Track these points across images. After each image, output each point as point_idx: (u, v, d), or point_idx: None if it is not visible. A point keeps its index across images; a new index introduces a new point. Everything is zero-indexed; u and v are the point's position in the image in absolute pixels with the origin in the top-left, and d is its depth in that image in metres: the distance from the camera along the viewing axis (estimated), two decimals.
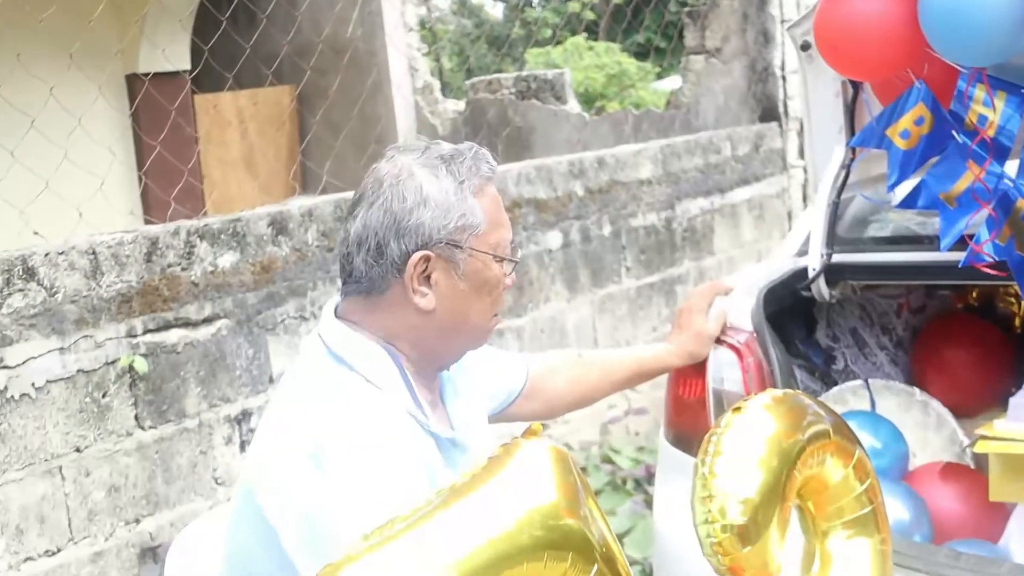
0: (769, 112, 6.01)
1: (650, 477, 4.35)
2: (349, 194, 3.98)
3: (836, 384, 2.88)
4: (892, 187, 2.42)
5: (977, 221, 2.28)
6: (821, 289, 2.80)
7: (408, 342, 1.73)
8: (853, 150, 2.78)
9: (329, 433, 1.58)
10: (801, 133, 6.02)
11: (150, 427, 3.28)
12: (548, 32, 12.58)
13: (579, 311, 4.82)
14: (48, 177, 3.83)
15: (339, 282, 1.78)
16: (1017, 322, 3.26)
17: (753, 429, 1.60)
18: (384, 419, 1.63)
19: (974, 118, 2.21)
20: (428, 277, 1.69)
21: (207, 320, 3.42)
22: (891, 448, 2.62)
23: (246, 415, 3.53)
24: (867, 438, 2.54)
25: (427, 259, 1.68)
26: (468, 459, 1.79)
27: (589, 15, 12.58)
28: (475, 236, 1.70)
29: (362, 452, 1.57)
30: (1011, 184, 2.22)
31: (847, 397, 2.79)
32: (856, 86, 2.77)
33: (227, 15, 4.54)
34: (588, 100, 9.81)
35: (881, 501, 1.74)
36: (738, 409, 1.63)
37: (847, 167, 2.80)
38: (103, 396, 3.18)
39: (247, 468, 1.70)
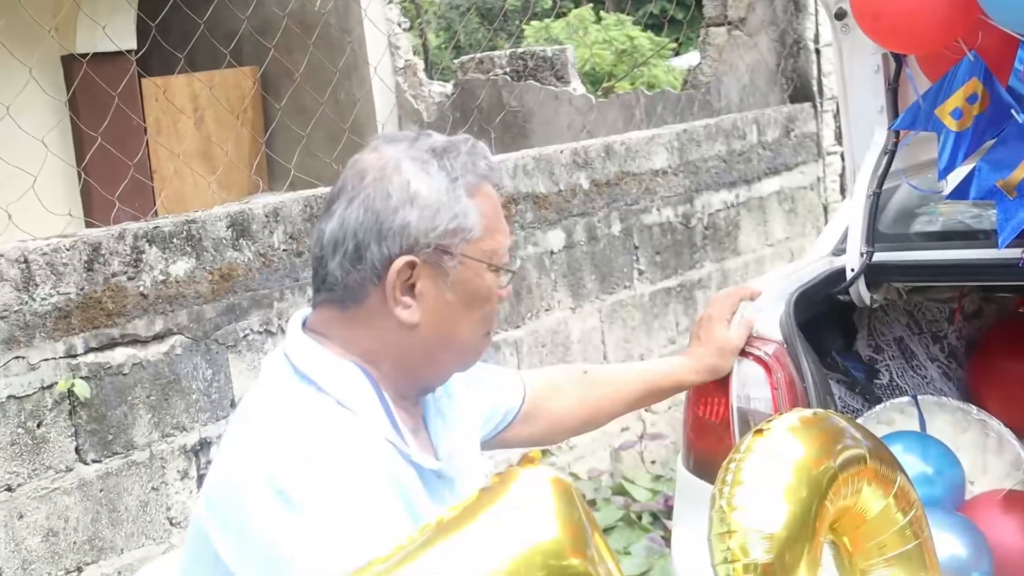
0: (801, 91, 6.01)
1: (669, 510, 4.34)
2: (320, 190, 3.99)
3: (880, 401, 2.88)
4: (943, 175, 2.42)
5: None
6: (861, 293, 2.79)
7: (388, 360, 1.73)
8: (897, 133, 2.78)
9: (295, 465, 1.58)
10: (838, 115, 6.02)
11: (93, 461, 3.27)
12: (548, 2, 12.60)
13: (585, 321, 4.82)
14: None
15: (309, 291, 1.78)
16: None
17: (778, 454, 1.60)
18: (358, 448, 1.63)
19: None
20: (412, 286, 1.69)
21: (158, 337, 3.42)
22: (944, 474, 2.61)
23: (204, 446, 3.52)
24: (916, 463, 2.54)
25: (412, 265, 1.68)
26: (456, 493, 1.79)
27: None
28: (468, 242, 1.70)
29: (333, 486, 1.57)
30: None
31: (893, 416, 2.79)
32: (899, 60, 2.77)
33: None
34: (594, 80, 9.82)
35: (929, 535, 1.74)
36: (761, 431, 1.63)
37: (890, 153, 2.80)
38: (38, 426, 3.17)
39: (201, 505, 1.70)
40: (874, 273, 2.78)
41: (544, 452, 4.61)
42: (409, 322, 1.70)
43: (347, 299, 1.71)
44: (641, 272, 5.08)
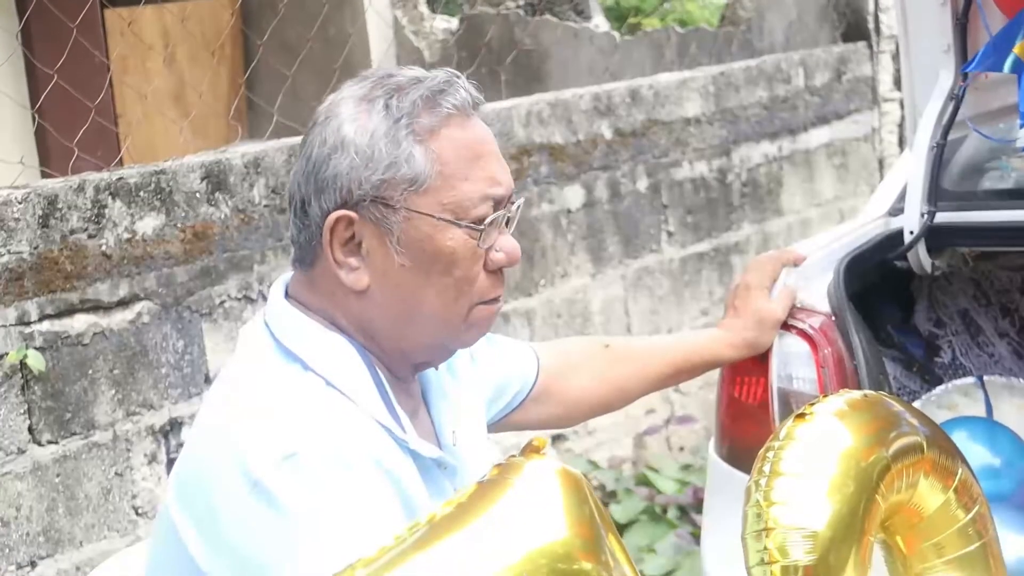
0: (855, 29, 5.99)
1: (698, 503, 4.34)
2: None
3: (941, 382, 2.87)
4: None
5: None
6: (921, 258, 2.79)
7: (360, 333, 1.73)
8: (965, 76, 2.77)
9: (277, 458, 1.58)
10: (897, 56, 5.99)
11: (49, 442, 3.28)
12: None
13: (607, 289, 4.82)
14: None
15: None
16: None
17: (823, 442, 1.60)
18: (348, 434, 1.63)
19: None
20: (360, 245, 1.69)
21: (123, 303, 3.42)
22: (1014, 466, 2.61)
23: (175, 426, 3.53)
24: (981, 452, 2.54)
25: (348, 221, 1.68)
26: (459, 482, 1.79)
27: None
28: (415, 193, 1.68)
29: (320, 485, 1.57)
30: None
31: (955, 399, 2.79)
32: None
33: None
34: (618, 15, 9.77)
35: (994, 535, 1.74)
36: (804, 416, 1.63)
37: (957, 99, 2.79)
38: None
39: (170, 494, 1.70)
40: (936, 236, 2.77)
41: (557, 437, 4.62)
42: (356, 287, 1.70)
43: (303, 260, 1.74)
44: (670, 234, 5.07)
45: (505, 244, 1.75)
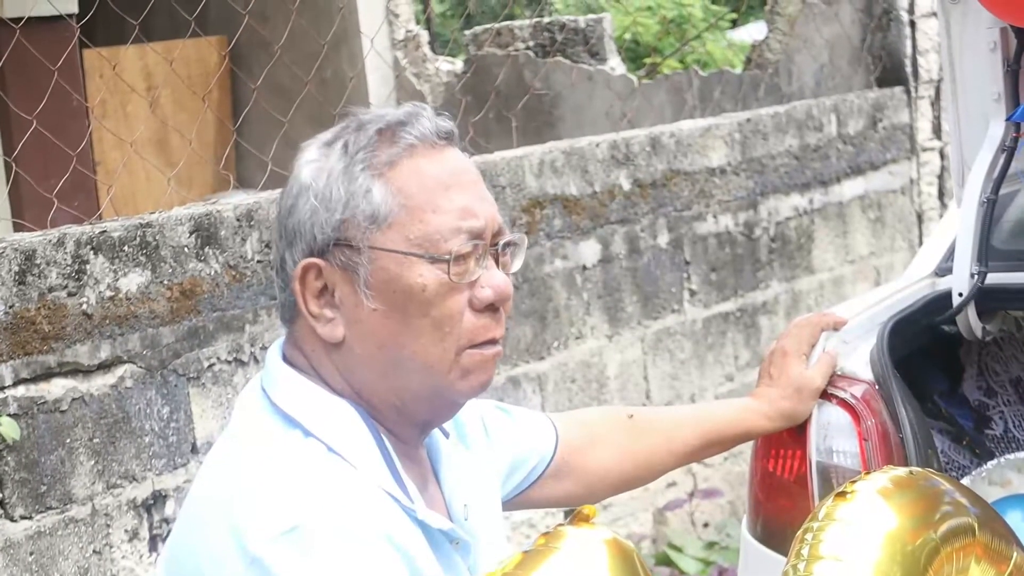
0: (892, 73, 6.01)
1: None
2: None
3: (992, 456, 2.86)
4: None
5: None
6: (971, 323, 2.78)
7: (349, 390, 1.74)
8: (1017, 127, 2.78)
9: (275, 527, 1.58)
10: (938, 102, 6.01)
11: (22, 517, 3.27)
12: None
13: (624, 352, 4.82)
14: None
15: None
16: None
17: (866, 524, 1.60)
18: (354, 505, 1.62)
19: None
20: (333, 294, 1.71)
21: (104, 366, 3.42)
22: None
23: (159, 500, 3.52)
24: None
25: (317, 270, 1.70)
26: (474, 560, 1.78)
27: None
28: (377, 230, 1.69)
29: (321, 553, 1.57)
30: None
31: (1008, 475, 2.77)
32: (1023, 35, 2.76)
33: None
34: (636, 57, 9.83)
35: None
36: (845, 494, 1.63)
37: (1008, 150, 2.79)
38: None
39: (160, 571, 1.70)
40: (987, 298, 2.76)
41: (569, 512, 4.60)
42: (332, 339, 1.71)
43: (285, 319, 1.77)
44: (693, 293, 5.07)
45: (491, 279, 1.74)
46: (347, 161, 1.71)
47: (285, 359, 1.77)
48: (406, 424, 1.77)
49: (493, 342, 1.75)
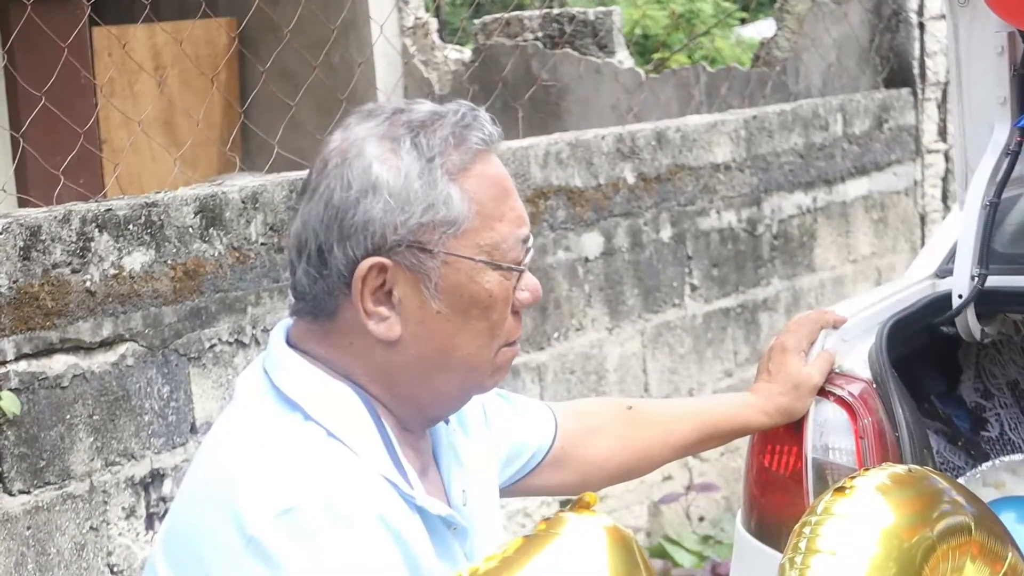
0: (899, 74, 6.00)
1: None
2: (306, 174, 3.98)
3: (988, 458, 2.87)
4: None
5: None
6: (970, 324, 2.78)
7: (377, 384, 1.74)
8: (1022, 131, 2.78)
9: (275, 513, 1.59)
10: (944, 105, 6.00)
11: (20, 492, 3.27)
12: None
13: (624, 345, 4.82)
14: None
15: (290, 296, 1.79)
16: None
17: (863, 520, 1.60)
18: (350, 488, 1.63)
19: None
20: (389, 294, 1.70)
21: (106, 344, 3.42)
22: None
23: (156, 478, 3.52)
24: None
25: (382, 269, 1.69)
26: (470, 546, 1.79)
27: None
28: (453, 236, 1.70)
29: (316, 534, 1.58)
30: None
31: (1003, 477, 2.78)
32: None
33: None
34: (645, 51, 9.81)
35: None
36: (842, 490, 1.63)
37: (1013, 154, 2.79)
38: None
39: (158, 552, 1.70)
40: (987, 301, 2.77)
41: (566, 503, 4.60)
42: (388, 338, 1.71)
43: (319, 312, 1.73)
44: (694, 288, 5.07)
45: (528, 283, 1.78)
46: (423, 163, 1.69)
47: (289, 343, 1.77)
48: (418, 415, 1.79)
49: (517, 339, 1.80)
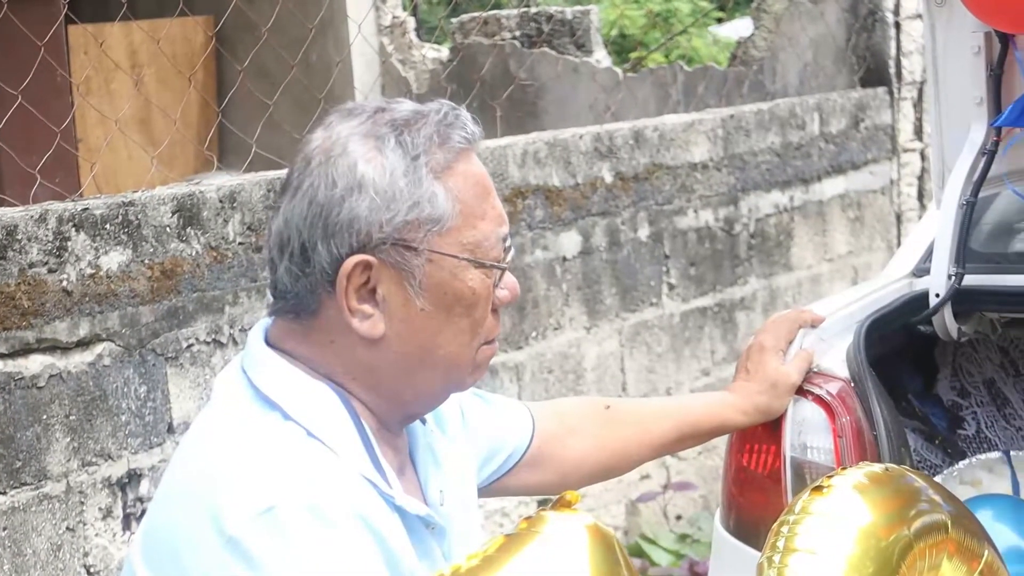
0: (875, 74, 6.02)
1: None
2: (286, 172, 3.97)
3: (964, 456, 2.88)
4: None
5: None
6: (947, 324, 2.79)
7: (358, 382, 1.74)
8: (998, 130, 2.78)
9: (254, 512, 1.59)
10: (920, 104, 6.02)
11: None
12: None
13: (601, 344, 4.82)
14: None
15: (269, 296, 1.78)
16: None
17: (841, 518, 1.61)
18: (329, 487, 1.63)
19: None
20: (373, 292, 1.70)
21: (83, 344, 3.41)
22: None
23: (133, 478, 3.51)
24: (1008, 534, 2.53)
25: (366, 266, 1.69)
26: (448, 545, 1.80)
27: None
28: (437, 234, 1.71)
29: (296, 533, 1.57)
30: None
31: (980, 475, 2.79)
32: (1006, 40, 2.76)
33: None
34: (622, 50, 9.83)
35: None
36: (820, 489, 1.64)
37: (989, 154, 2.80)
38: None
39: (135, 554, 1.70)
40: (964, 300, 2.78)
41: (543, 502, 4.61)
42: (371, 335, 1.71)
43: (300, 310, 1.74)
44: (672, 287, 5.07)
45: (508, 281, 1.79)
46: (408, 161, 1.70)
47: (268, 342, 1.77)
48: (397, 414, 1.79)
49: (495, 337, 1.81)
